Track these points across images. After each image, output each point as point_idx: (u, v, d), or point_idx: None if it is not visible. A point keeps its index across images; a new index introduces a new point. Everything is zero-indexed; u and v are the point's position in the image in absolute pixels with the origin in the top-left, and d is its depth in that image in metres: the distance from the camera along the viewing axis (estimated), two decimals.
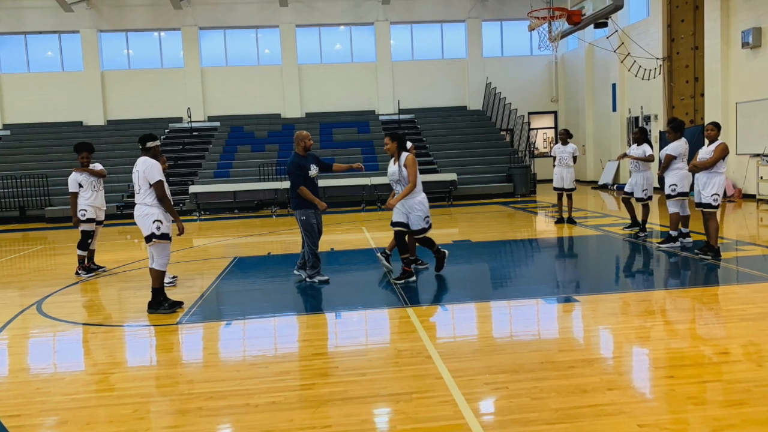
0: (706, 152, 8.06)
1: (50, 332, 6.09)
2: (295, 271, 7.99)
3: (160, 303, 6.50)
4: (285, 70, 25.25)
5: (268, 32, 25.51)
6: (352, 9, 25.31)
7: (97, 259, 9.53)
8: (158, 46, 25.36)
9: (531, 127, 24.71)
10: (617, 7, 16.47)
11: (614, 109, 22.38)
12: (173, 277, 8.04)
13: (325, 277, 7.70)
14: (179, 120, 24.62)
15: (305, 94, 25.47)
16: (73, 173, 8.80)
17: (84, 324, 6.34)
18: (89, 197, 8.78)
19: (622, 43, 19.34)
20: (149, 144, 6.56)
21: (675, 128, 8.90)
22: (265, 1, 24.78)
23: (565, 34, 19.12)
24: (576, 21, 17.49)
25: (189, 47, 24.85)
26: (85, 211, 8.75)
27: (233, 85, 25.14)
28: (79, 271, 8.95)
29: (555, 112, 27.17)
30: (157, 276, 6.51)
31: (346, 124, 23.91)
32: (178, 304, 6.61)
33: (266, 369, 4.65)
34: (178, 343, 5.63)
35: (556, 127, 27.04)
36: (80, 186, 8.74)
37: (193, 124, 23.99)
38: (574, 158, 11.99)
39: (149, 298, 6.59)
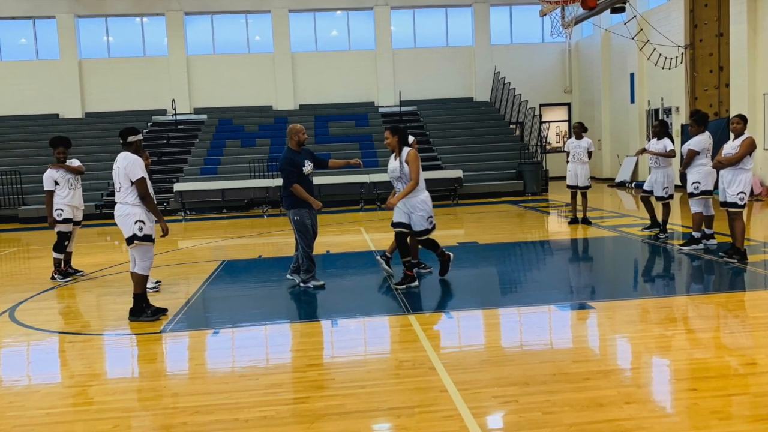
0: (731, 147, 8.06)
1: (24, 341, 6.09)
2: (288, 276, 7.99)
3: (143, 310, 6.50)
4: (277, 58, 25.27)
5: (259, 18, 25.52)
6: None
7: (75, 263, 9.53)
8: (140, 33, 25.37)
9: (543, 120, 24.71)
10: None
11: (632, 101, 22.39)
12: (156, 282, 8.04)
13: (321, 282, 7.70)
14: (163, 112, 24.63)
15: (299, 84, 25.48)
16: (49, 170, 8.80)
17: (60, 333, 6.34)
18: (66, 196, 8.77)
19: (641, 29, 19.35)
20: (131, 138, 6.56)
21: (698, 121, 8.91)
22: None
23: (579, 20, 19.15)
24: (591, 5, 17.51)
25: (174, 34, 24.85)
26: (62, 210, 8.74)
27: (221, 75, 25.14)
28: (55, 276, 8.95)
29: (568, 104, 27.18)
30: (139, 281, 6.51)
31: (343, 117, 23.92)
32: (162, 311, 6.61)
33: (257, 381, 4.66)
34: (162, 353, 5.64)
35: (569, 120, 27.06)
36: (56, 184, 8.74)
37: (178, 117, 24.00)
38: (589, 154, 12.00)
39: (131, 305, 6.59)
